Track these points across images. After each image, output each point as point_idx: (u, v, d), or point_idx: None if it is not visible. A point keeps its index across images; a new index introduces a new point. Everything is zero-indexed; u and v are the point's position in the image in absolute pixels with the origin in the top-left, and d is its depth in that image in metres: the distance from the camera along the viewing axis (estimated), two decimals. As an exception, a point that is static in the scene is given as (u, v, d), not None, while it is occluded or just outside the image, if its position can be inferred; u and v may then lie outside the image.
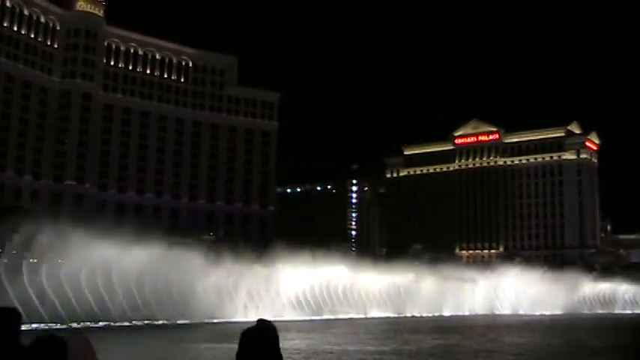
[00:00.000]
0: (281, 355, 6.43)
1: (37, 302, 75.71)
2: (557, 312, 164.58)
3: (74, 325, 75.78)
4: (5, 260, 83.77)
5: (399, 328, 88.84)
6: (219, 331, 77.58)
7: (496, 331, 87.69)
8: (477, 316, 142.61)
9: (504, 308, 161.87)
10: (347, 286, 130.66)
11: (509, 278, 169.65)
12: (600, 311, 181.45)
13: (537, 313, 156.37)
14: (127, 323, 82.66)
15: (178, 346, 56.17)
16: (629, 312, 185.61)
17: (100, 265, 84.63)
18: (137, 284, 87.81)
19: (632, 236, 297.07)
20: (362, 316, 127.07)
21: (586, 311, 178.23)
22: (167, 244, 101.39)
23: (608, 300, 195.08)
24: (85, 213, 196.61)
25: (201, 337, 66.09)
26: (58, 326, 73.05)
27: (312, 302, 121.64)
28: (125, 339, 60.64)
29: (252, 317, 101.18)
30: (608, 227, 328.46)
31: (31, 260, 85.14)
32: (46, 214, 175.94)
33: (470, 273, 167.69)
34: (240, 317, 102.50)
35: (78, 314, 78.47)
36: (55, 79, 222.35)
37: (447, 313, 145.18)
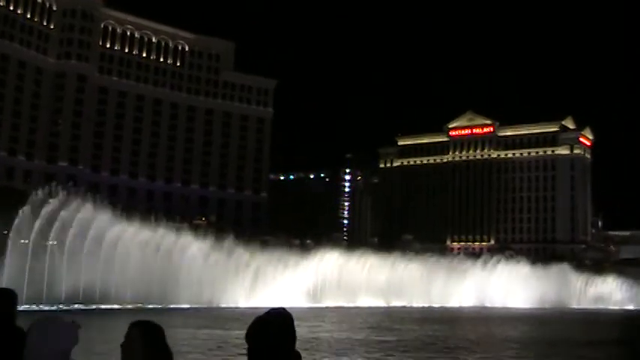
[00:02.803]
0: (291, 346, 5.85)
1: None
2: (546, 306, 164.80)
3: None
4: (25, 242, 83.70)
5: (391, 317, 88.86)
6: (214, 316, 77.45)
7: (487, 323, 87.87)
8: (466, 307, 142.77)
9: (493, 301, 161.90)
10: (337, 275, 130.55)
11: (499, 271, 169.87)
12: (589, 306, 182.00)
13: (526, 307, 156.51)
14: (117, 306, 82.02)
15: (171, 330, 56.02)
16: (617, 308, 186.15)
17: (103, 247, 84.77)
18: (133, 267, 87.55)
19: (623, 233, 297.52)
20: (351, 304, 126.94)
21: (575, 306, 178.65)
22: (160, 227, 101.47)
23: (598, 295, 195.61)
24: (76, 195, 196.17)
25: (194, 323, 65.99)
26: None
27: (304, 290, 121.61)
28: (111, 322, 60.06)
29: (250, 304, 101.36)
30: (600, 223, 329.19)
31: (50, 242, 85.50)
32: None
33: (459, 264, 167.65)
34: (239, 304, 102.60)
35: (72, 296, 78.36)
36: (51, 59, 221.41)
37: (435, 305, 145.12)
